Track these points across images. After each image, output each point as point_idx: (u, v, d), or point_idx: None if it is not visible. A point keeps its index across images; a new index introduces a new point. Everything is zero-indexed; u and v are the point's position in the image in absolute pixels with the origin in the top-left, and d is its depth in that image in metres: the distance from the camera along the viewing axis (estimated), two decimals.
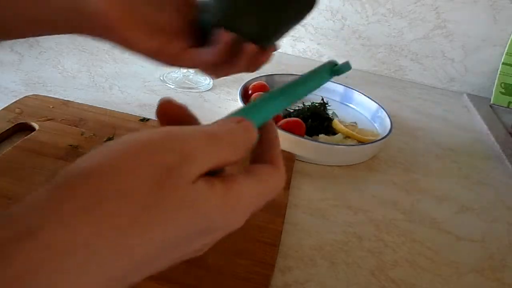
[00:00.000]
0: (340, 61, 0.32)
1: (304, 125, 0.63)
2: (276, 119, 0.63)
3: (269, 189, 0.24)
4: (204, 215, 0.19)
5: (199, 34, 0.38)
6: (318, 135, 0.65)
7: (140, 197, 0.18)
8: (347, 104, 0.80)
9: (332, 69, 0.32)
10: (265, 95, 0.28)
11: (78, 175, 0.17)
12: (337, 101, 0.80)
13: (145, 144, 0.19)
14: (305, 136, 0.62)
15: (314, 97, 0.78)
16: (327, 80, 0.33)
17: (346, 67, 0.32)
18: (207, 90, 0.76)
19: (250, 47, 0.36)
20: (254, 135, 0.24)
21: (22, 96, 0.60)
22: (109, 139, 0.54)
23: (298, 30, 1.02)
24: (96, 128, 0.56)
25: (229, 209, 0.20)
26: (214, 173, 0.21)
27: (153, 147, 0.19)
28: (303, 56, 1.05)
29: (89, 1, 0.32)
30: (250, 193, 0.22)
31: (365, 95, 0.78)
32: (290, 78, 0.82)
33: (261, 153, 0.26)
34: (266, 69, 0.94)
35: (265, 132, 0.26)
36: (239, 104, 0.66)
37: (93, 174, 0.17)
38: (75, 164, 0.18)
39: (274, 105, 0.28)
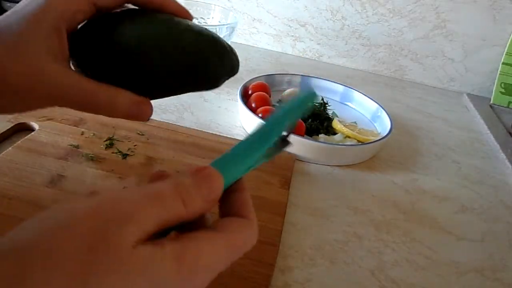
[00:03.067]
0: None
1: (304, 125, 0.63)
2: None
3: (238, 244, 0.22)
4: (156, 281, 0.18)
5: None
6: (318, 135, 0.65)
7: (71, 268, 0.16)
8: (347, 104, 0.80)
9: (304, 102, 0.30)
10: (244, 142, 0.25)
11: (4, 251, 0.16)
12: (337, 101, 0.80)
13: (78, 215, 0.18)
14: (305, 136, 0.62)
15: None
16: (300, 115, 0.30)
17: (311, 96, 0.30)
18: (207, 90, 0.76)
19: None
20: (216, 185, 0.22)
21: None
22: (109, 138, 0.54)
23: (298, 30, 1.02)
24: (96, 127, 0.56)
25: (186, 271, 0.19)
26: (167, 233, 0.20)
27: (86, 216, 0.18)
28: (303, 56, 1.05)
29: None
30: (213, 250, 0.20)
31: (365, 95, 0.78)
32: (290, 78, 0.82)
33: (229, 205, 0.24)
34: (266, 69, 0.94)
35: (233, 184, 0.24)
36: (239, 104, 0.65)
37: (18, 250, 0.16)
38: (5, 237, 0.17)
39: (252, 154, 0.25)
